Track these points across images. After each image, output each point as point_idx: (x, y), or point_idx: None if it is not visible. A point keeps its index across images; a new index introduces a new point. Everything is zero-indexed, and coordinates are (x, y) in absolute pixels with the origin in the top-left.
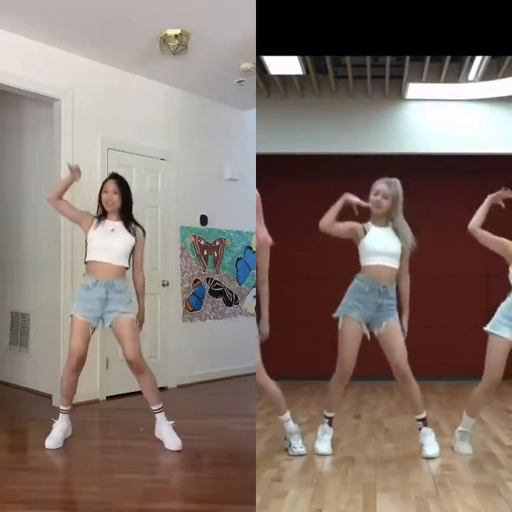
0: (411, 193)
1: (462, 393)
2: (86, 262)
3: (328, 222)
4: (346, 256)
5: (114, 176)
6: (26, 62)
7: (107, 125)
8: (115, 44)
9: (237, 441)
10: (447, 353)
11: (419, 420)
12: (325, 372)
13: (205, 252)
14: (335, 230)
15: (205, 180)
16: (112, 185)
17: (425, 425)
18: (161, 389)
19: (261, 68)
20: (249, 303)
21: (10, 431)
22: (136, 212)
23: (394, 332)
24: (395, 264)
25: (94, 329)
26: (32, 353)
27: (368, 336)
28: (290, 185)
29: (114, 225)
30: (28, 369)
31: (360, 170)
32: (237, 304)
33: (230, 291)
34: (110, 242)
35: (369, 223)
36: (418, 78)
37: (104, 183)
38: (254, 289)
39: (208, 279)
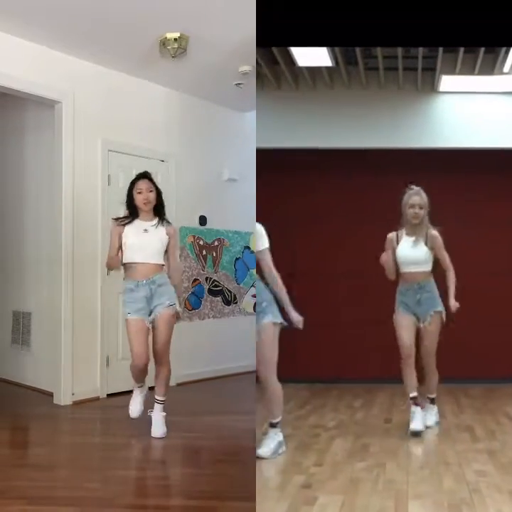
0: (443, 190)
1: (497, 396)
2: (123, 264)
3: (391, 272)
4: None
5: (145, 175)
6: (28, 64)
7: (108, 127)
8: (115, 47)
9: (236, 439)
10: (482, 355)
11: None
12: (353, 375)
13: (204, 252)
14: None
15: (204, 182)
16: (145, 184)
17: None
18: None
19: (288, 60)
20: (247, 302)
21: (11, 428)
22: None
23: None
24: (427, 268)
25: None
26: (33, 351)
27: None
28: (316, 181)
29: (145, 225)
30: (29, 367)
31: (391, 165)
32: (236, 303)
33: (228, 290)
34: (145, 241)
35: (402, 232)
36: (451, 70)
37: (134, 184)
38: (253, 288)
39: (206, 278)
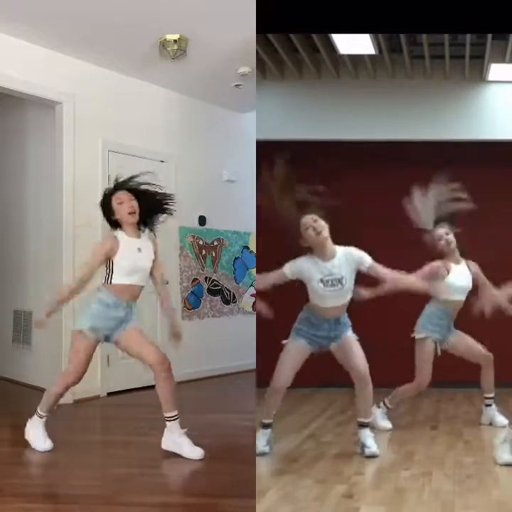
0: (492, 184)
1: None
2: (110, 283)
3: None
4: None
5: (122, 186)
6: (28, 66)
7: (108, 128)
8: (116, 49)
9: (235, 437)
10: None
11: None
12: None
13: (204, 252)
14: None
15: (203, 182)
16: (126, 195)
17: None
18: None
19: (329, 48)
20: (246, 301)
21: (12, 426)
22: None
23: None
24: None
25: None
26: (34, 350)
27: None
28: (359, 175)
29: (139, 243)
30: (30, 366)
31: (435, 158)
32: (235, 302)
33: (227, 289)
34: (138, 263)
35: (448, 262)
36: (501, 58)
37: (112, 194)
38: (252, 287)
39: (206, 278)
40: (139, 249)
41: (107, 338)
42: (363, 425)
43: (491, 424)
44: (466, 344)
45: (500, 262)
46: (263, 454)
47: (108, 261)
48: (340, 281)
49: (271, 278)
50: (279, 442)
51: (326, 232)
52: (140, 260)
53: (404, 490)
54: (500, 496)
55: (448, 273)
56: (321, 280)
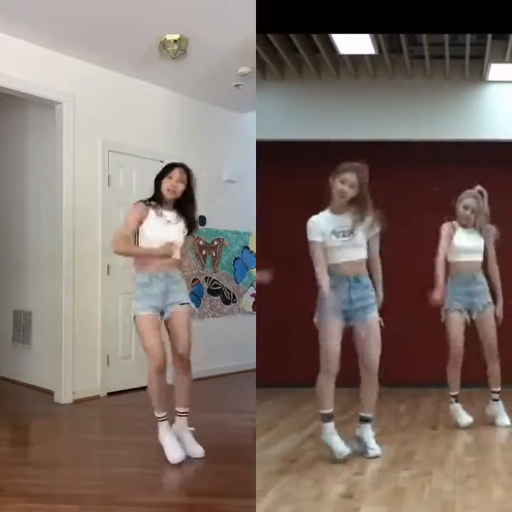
0: (491, 184)
1: None
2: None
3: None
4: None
5: (183, 166)
6: (29, 66)
7: (108, 128)
8: (116, 49)
9: (236, 437)
10: None
11: None
12: (397, 379)
13: (204, 252)
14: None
15: (203, 182)
16: (179, 174)
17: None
18: None
19: (329, 48)
20: (246, 301)
21: (12, 426)
22: None
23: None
24: (479, 258)
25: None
26: (34, 350)
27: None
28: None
29: (169, 215)
30: (30, 365)
31: (435, 158)
32: (235, 302)
33: (227, 289)
34: (166, 234)
35: (456, 225)
36: (501, 58)
37: (167, 170)
38: (252, 287)
39: (206, 278)
40: (169, 221)
41: (162, 314)
42: (366, 420)
43: (493, 422)
44: (487, 326)
45: (501, 262)
46: (343, 458)
47: (136, 234)
48: (351, 232)
49: (320, 265)
50: (279, 442)
51: (349, 192)
52: (167, 231)
53: (404, 490)
54: (500, 496)
55: (454, 233)
56: (333, 231)
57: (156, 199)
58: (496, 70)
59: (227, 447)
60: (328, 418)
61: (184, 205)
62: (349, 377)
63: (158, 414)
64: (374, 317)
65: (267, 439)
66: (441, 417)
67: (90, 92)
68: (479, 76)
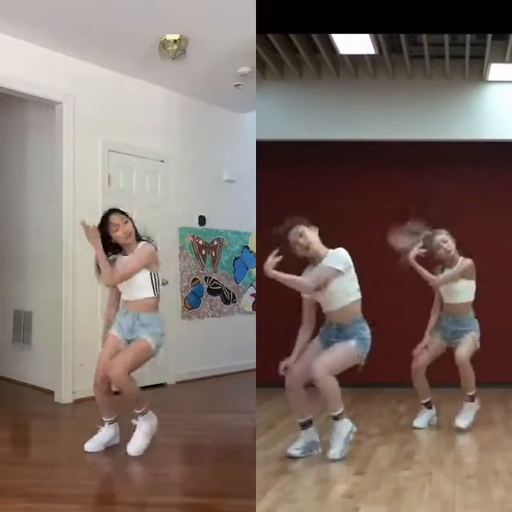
0: (492, 184)
1: None
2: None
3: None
4: None
5: (112, 211)
6: (28, 66)
7: (108, 128)
8: (116, 49)
9: (236, 437)
10: None
11: None
12: (397, 379)
13: (204, 252)
14: None
15: (203, 182)
16: (118, 218)
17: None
18: (160, 385)
19: (329, 48)
20: (246, 301)
21: (12, 426)
22: (137, 212)
23: None
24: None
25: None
26: (34, 349)
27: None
28: (359, 175)
29: (124, 259)
30: (30, 365)
31: (436, 159)
32: (235, 302)
33: (227, 289)
34: (127, 281)
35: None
36: (501, 58)
37: (106, 221)
38: (252, 287)
39: (206, 278)
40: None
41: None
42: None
43: None
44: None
45: (500, 262)
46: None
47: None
48: (324, 284)
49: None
50: (279, 442)
51: (311, 244)
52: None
53: (404, 490)
54: (500, 495)
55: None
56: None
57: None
58: (496, 70)
59: (227, 447)
60: (302, 425)
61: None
62: (349, 377)
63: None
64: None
65: (266, 439)
66: (441, 417)
67: (90, 92)
68: (479, 76)
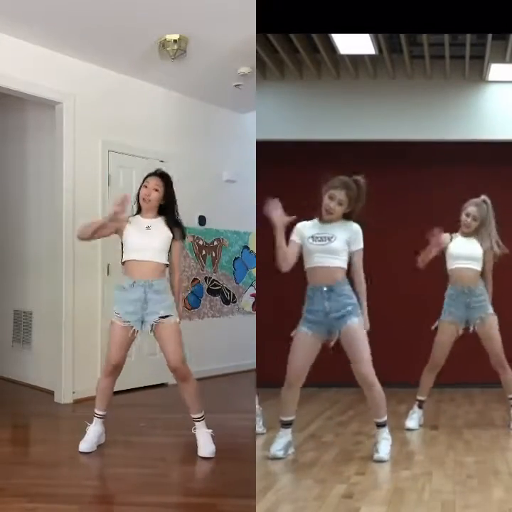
0: (492, 184)
1: None
2: (123, 263)
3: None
4: None
5: (158, 173)
6: (28, 66)
7: (108, 128)
8: (115, 49)
9: (236, 437)
10: None
11: None
12: (398, 380)
13: (204, 252)
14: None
15: (203, 182)
16: (153, 181)
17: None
18: (161, 385)
19: (329, 48)
20: (246, 301)
21: (12, 426)
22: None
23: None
24: (475, 266)
25: (136, 332)
26: (34, 350)
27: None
28: (360, 175)
29: (149, 222)
30: (30, 365)
31: (435, 159)
32: (235, 302)
33: (227, 289)
34: (146, 240)
35: (457, 234)
36: (501, 58)
37: (145, 178)
38: (252, 287)
39: (206, 278)
40: (148, 227)
41: (146, 326)
42: (378, 425)
43: None
44: (487, 338)
45: (501, 262)
46: (274, 457)
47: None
48: (329, 238)
49: (288, 252)
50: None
51: (337, 209)
52: (147, 237)
53: (404, 490)
54: (500, 495)
55: (450, 242)
56: (312, 236)
57: (138, 209)
58: (496, 70)
59: (227, 447)
60: (284, 424)
61: (164, 211)
62: (350, 377)
63: (96, 411)
64: (353, 323)
65: (267, 439)
66: (441, 417)
67: (90, 91)
68: (479, 76)
